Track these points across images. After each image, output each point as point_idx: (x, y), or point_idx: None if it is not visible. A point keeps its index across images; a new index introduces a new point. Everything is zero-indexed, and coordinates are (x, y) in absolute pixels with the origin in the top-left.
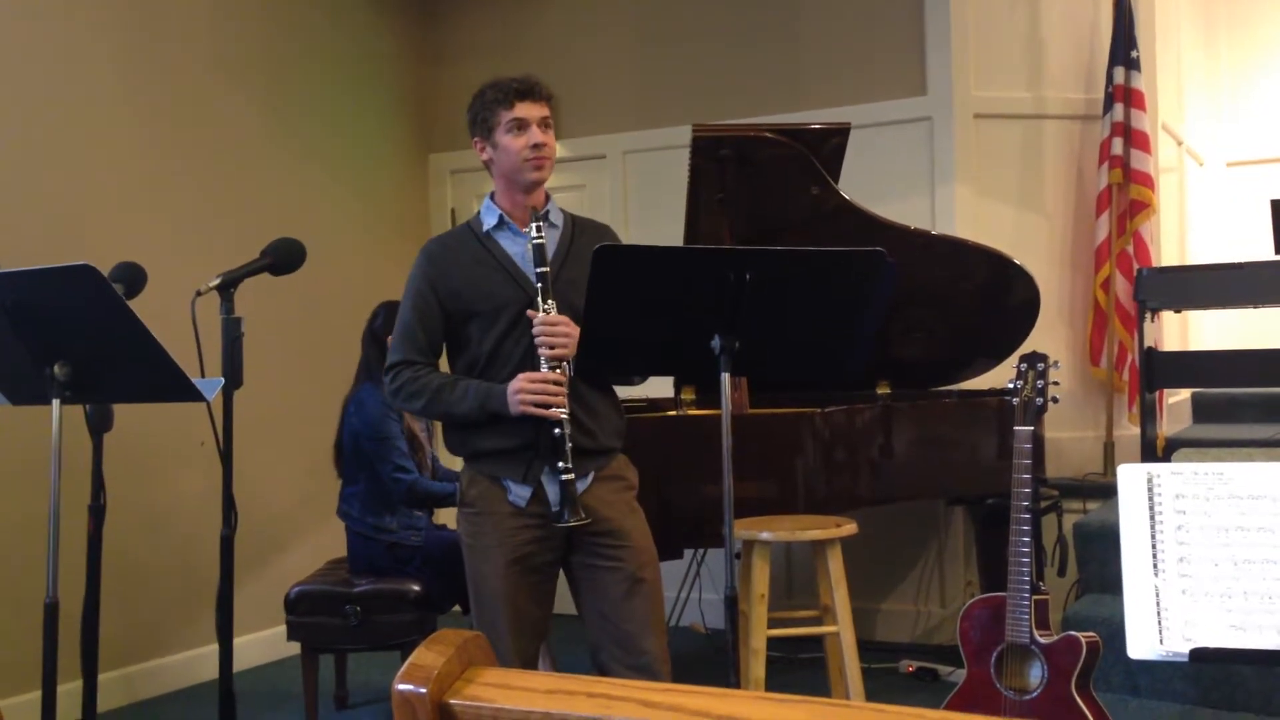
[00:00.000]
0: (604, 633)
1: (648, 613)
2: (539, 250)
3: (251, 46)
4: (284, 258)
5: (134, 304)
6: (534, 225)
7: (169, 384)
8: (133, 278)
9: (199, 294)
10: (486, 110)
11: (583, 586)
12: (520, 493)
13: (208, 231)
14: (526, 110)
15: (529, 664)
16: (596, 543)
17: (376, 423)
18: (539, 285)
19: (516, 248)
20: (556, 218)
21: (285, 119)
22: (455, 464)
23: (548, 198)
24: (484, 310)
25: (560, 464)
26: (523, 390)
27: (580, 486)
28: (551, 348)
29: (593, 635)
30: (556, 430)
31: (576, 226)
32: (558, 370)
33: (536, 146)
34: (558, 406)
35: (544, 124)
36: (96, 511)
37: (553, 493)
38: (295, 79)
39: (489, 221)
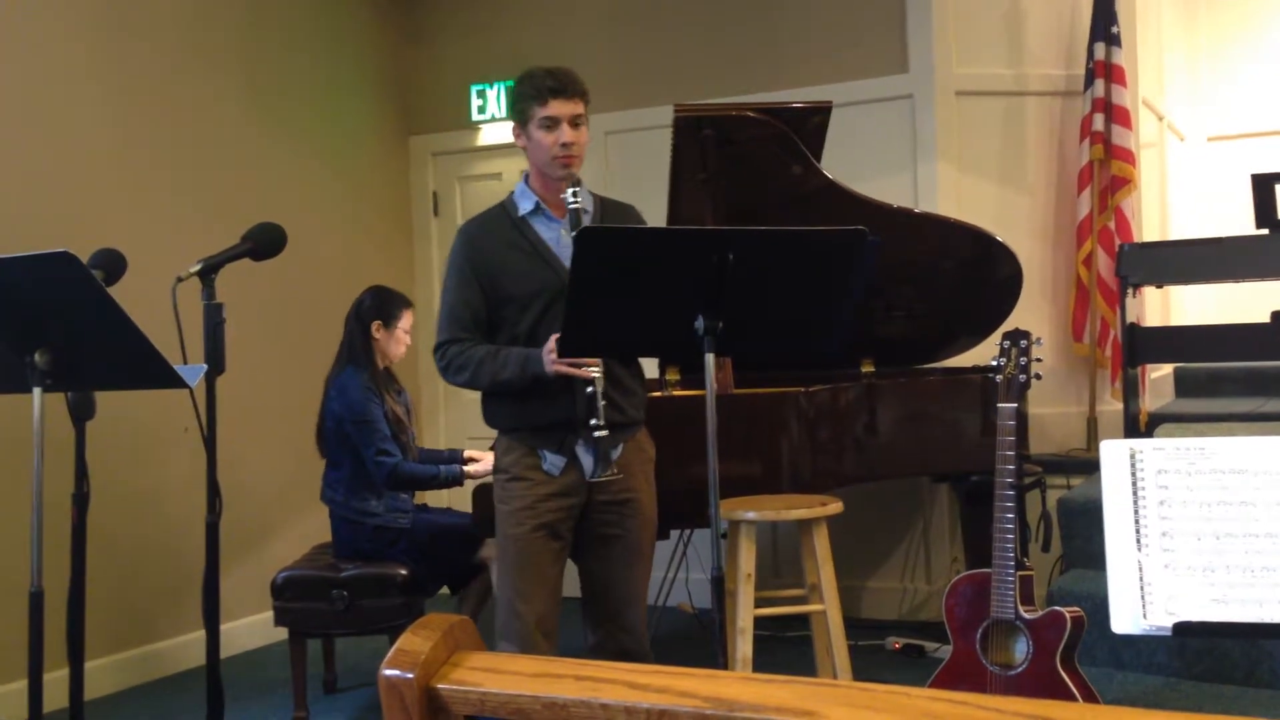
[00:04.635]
0: (599, 594)
1: (641, 580)
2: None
3: (229, 28)
4: (265, 243)
5: (114, 291)
6: (571, 208)
7: (151, 371)
8: (112, 264)
9: (180, 280)
10: (523, 102)
11: (590, 548)
12: (555, 461)
13: (188, 217)
14: (558, 108)
15: (549, 634)
16: (614, 508)
17: (358, 406)
18: None
19: (551, 233)
20: (586, 201)
21: (265, 103)
22: (434, 445)
23: (578, 181)
24: (519, 295)
25: (593, 420)
26: (555, 349)
27: (611, 457)
28: None
29: (589, 593)
30: (589, 388)
31: (604, 208)
32: None
33: (565, 145)
34: (590, 366)
35: (575, 121)
36: (80, 500)
37: (588, 464)
38: (274, 63)
39: (524, 206)
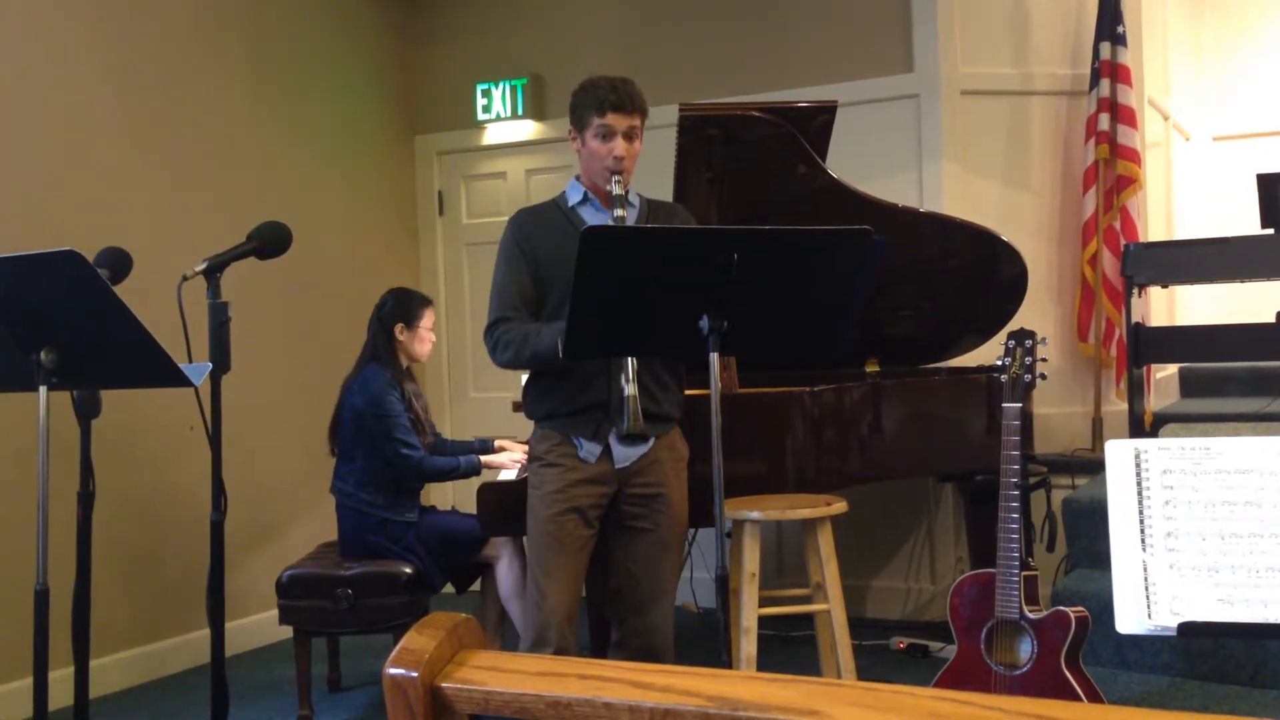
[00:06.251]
0: (625, 588)
1: (668, 577)
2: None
3: (234, 27)
4: (270, 241)
5: (120, 289)
6: (614, 195)
7: (156, 370)
8: (118, 263)
9: (185, 279)
10: (581, 109)
11: (618, 540)
12: (591, 449)
13: (193, 216)
14: (615, 121)
15: (568, 619)
16: (644, 501)
17: (380, 400)
18: None
19: (598, 221)
20: (634, 198)
21: (270, 101)
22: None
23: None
24: (561, 278)
25: (623, 378)
26: None
27: (642, 449)
28: None
29: (613, 586)
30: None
31: (651, 207)
32: None
33: (618, 158)
34: None
35: (630, 134)
36: (85, 498)
37: (620, 453)
38: (279, 60)
39: (573, 197)
